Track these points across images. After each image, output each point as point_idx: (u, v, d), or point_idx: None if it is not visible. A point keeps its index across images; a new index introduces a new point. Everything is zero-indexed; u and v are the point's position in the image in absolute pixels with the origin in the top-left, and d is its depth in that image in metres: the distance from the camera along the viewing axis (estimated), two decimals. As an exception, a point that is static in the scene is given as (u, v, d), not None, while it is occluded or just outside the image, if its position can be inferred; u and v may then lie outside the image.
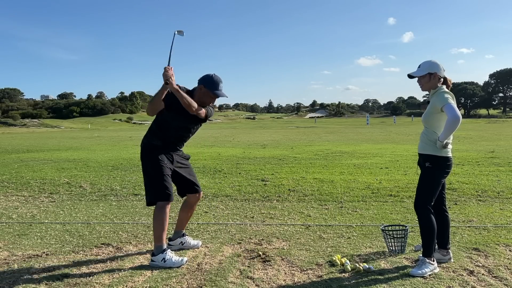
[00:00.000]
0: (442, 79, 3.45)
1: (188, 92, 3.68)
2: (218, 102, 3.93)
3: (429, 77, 3.44)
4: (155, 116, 3.72)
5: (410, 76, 3.53)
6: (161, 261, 3.49)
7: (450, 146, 3.36)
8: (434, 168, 3.37)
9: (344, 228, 4.61)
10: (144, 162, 3.70)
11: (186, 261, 3.56)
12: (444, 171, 3.40)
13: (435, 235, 3.39)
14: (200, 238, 4.29)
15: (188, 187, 3.93)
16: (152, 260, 3.54)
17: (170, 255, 3.53)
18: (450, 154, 3.39)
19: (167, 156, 3.69)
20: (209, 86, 3.65)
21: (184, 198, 4.05)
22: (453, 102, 3.29)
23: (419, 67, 3.50)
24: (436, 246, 3.50)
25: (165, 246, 3.57)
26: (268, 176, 8.18)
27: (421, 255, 3.40)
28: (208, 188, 7.04)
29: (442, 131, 3.28)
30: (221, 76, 3.73)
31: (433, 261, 3.33)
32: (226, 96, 3.78)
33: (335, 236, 4.32)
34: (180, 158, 3.85)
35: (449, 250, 3.55)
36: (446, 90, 3.39)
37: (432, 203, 3.42)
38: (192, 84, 3.83)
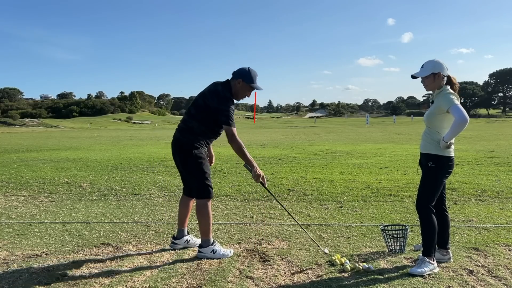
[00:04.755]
0: (445, 78, 3.43)
1: (223, 85, 3.80)
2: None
3: (433, 77, 3.41)
4: (200, 118, 3.77)
5: (414, 77, 3.49)
6: (210, 252, 3.69)
7: (452, 146, 3.36)
8: (436, 167, 3.36)
9: (343, 228, 4.61)
10: (193, 161, 3.81)
11: (232, 253, 3.77)
12: (447, 171, 3.40)
13: (436, 234, 3.39)
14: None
15: None
16: (200, 252, 3.71)
17: (219, 247, 3.75)
18: (452, 154, 3.39)
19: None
20: (247, 80, 3.78)
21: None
22: (458, 103, 3.28)
23: (422, 67, 3.46)
24: (436, 246, 3.50)
25: (212, 239, 3.77)
26: (267, 176, 8.18)
27: (421, 254, 3.40)
28: (207, 187, 7.03)
29: (447, 132, 3.27)
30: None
31: (433, 260, 3.33)
32: (262, 89, 3.90)
33: (334, 236, 4.32)
34: None
35: (449, 250, 3.55)
36: (451, 90, 3.37)
37: (434, 203, 3.42)
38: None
